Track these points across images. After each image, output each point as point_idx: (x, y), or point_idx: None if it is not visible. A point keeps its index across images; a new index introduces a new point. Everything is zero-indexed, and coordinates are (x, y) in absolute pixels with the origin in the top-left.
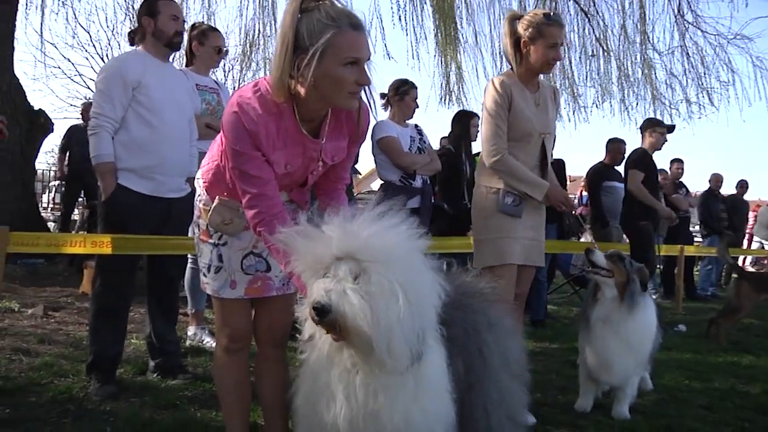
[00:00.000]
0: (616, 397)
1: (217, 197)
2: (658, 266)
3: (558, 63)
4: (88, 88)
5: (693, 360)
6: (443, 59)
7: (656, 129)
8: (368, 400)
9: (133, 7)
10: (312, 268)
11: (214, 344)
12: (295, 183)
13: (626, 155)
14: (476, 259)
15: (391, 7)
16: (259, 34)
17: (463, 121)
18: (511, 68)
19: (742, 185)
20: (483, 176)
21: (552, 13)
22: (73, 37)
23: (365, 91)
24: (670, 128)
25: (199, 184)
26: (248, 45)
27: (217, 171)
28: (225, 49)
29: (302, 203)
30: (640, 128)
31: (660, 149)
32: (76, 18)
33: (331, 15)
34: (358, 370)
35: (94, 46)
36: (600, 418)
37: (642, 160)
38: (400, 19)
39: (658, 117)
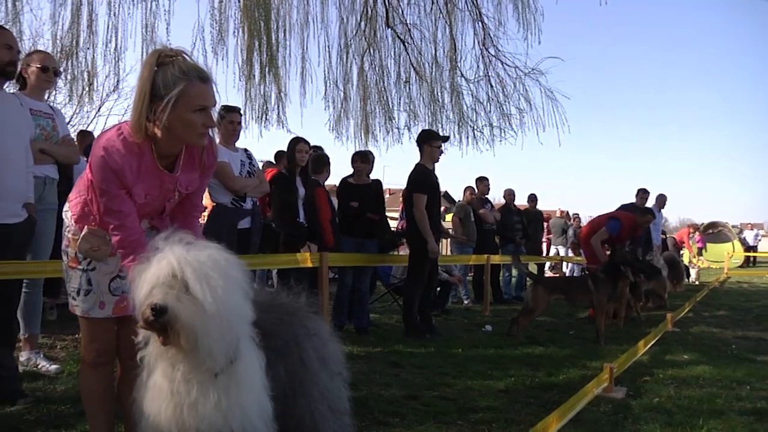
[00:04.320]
0: None
1: (85, 227)
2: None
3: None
4: None
5: (495, 354)
6: (260, 82)
7: (432, 142)
8: (190, 394)
9: None
10: (151, 283)
11: (50, 368)
12: (155, 211)
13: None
14: None
15: (211, 33)
16: (74, 43)
17: (291, 147)
18: None
19: (533, 199)
20: None
21: None
22: None
23: (210, 131)
24: (445, 138)
25: (68, 216)
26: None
27: (85, 204)
28: (53, 68)
29: (163, 229)
30: (417, 142)
31: (438, 161)
32: None
33: (183, 69)
34: (180, 367)
35: None
36: (418, 407)
37: (425, 181)
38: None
39: (464, 139)
